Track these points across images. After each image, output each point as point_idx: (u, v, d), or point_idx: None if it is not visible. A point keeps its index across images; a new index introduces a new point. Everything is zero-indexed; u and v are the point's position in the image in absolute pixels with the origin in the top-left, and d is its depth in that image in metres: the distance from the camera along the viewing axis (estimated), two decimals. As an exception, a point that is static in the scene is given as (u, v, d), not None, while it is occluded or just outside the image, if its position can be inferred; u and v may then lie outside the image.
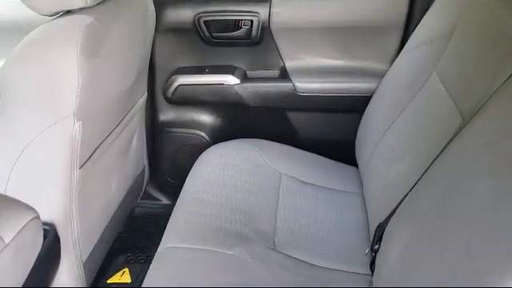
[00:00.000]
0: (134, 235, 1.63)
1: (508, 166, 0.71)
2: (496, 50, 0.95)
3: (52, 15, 1.01)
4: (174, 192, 1.43)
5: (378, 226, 1.09)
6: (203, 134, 1.73)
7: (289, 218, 1.28)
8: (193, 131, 1.73)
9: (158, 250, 1.12)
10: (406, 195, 1.00)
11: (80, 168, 1.05)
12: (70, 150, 0.99)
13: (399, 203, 1.01)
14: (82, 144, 1.02)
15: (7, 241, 0.58)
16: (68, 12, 1.00)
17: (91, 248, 1.24)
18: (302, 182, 1.43)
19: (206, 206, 1.25)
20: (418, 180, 0.97)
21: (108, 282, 1.37)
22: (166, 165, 1.79)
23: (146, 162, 1.65)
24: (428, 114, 1.13)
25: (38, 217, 0.66)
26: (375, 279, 1.00)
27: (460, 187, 0.80)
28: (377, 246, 1.05)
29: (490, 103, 0.86)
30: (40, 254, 0.85)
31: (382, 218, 1.08)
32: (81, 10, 0.99)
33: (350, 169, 1.52)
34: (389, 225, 1.02)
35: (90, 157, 1.09)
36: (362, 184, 1.39)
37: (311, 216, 1.31)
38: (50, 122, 0.95)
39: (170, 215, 1.24)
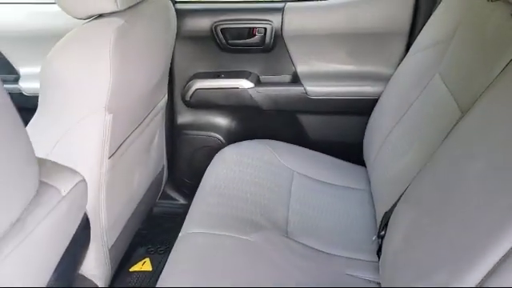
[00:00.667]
0: (153, 231, 1.71)
1: (499, 148, 0.80)
2: (490, 49, 1.03)
3: (86, 18, 1.11)
4: (190, 192, 1.52)
5: (384, 215, 1.17)
6: (219, 135, 1.83)
7: (300, 211, 1.36)
8: (209, 133, 1.83)
9: (179, 235, 1.20)
10: (410, 184, 1.08)
11: (109, 158, 1.14)
12: (101, 140, 1.08)
13: (403, 192, 1.09)
14: (112, 135, 1.11)
15: (64, 193, 0.67)
16: (100, 16, 1.11)
17: (116, 237, 1.33)
18: (313, 179, 1.51)
19: (223, 197, 1.34)
20: (421, 169, 1.05)
21: (130, 270, 1.46)
22: (184, 166, 1.88)
23: (165, 162, 1.75)
24: (430, 110, 1.22)
25: (85, 180, 0.73)
26: (381, 264, 1.08)
27: (458, 169, 0.89)
28: (383, 233, 1.13)
29: (484, 96, 0.95)
30: (74, 236, 0.94)
31: (387, 208, 1.16)
32: (112, 13, 1.10)
33: (358, 168, 1.60)
34: (394, 212, 1.10)
35: (117, 148, 1.19)
36: (369, 182, 1.47)
37: (321, 209, 1.39)
38: (84, 114, 1.05)
39: (187, 214, 1.33)
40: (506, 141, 0.78)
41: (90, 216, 1.16)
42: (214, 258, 1.12)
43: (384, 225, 1.15)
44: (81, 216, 0.83)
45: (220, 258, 1.13)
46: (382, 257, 1.09)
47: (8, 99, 0.52)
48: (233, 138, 1.79)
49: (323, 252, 1.23)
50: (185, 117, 1.83)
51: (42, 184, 0.62)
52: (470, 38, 1.17)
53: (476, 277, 0.69)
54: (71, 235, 0.81)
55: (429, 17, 1.45)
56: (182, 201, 1.92)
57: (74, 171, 0.68)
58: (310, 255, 1.20)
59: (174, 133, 1.83)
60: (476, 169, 0.83)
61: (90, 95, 1.04)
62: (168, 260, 1.15)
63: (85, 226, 1.14)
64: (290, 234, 1.26)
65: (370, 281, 1.15)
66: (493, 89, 0.94)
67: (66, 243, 0.77)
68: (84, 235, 1.15)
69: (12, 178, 0.54)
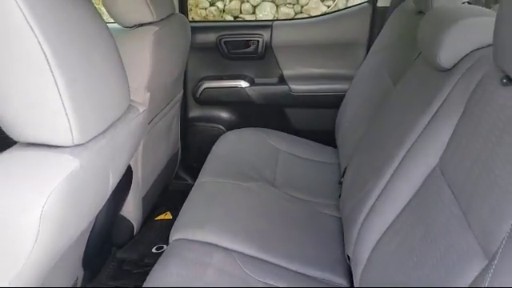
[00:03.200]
0: (169, 202, 2.13)
1: (411, 103, 1.26)
2: (412, 41, 1.48)
3: (131, 27, 1.58)
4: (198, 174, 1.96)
5: (345, 169, 1.62)
6: (221, 126, 2.29)
7: (284, 173, 1.81)
8: (214, 125, 2.30)
9: (195, 184, 1.65)
10: (360, 144, 1.54)
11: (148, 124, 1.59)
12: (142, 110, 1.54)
13: (356, 150, 1.55)
14: (149, 108, 1.57)
15: (140, 111, 1.08)
16: (141, 25, 1.58)
17: (146, 191, 1.77)
18: (294, 155, 1.96)
19: (226, 162, 1.79)
20: (366, 131, 1.52)
21: (156, 218, 1.88)
22: (193, 152, 2.33)
23: (179, 146, 2.20)
24: (374, 90, 1.69)
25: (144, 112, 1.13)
26: (341, 202, 1.51)
27: (385, 120, 1.36)
28: (342, 179, 1.59)
29: (406, 74, 1.41)
30: (120, 181, 1.36)
31: (347, 163, 1.61)
32: (149, 23, 1.56)
33: (330, 149, 2.05)
34: (350, 163, 1.56)
35: (151, 120, 1.64)
36: (338, 158, 1.92)
37: (300, 172, 1.84)
38: (132, 89, 1.50)
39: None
40: (412, 100, 1.25)
41: (132, 167, 1.61)
42: (220, 196, 1.57)
43: (343, 173, 1.60)
44: (141, 137, 1.24)
45: (225, 196, 1.57)
46: (341, 197, 1.53)
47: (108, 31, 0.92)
48: (233, 128, 2.24)
49: (299, 198, 1.66)
50: (195, 111, 2.30)
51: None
52: (402, 37, 1.65)
53: None
54: (136, 148, 1.15)
55: (381, 30, 1.94)
56: (191, 181, 2.36)
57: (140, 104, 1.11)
58: (290, 199, 1.64)
59: (186, 125, 2.28)
60: (392, 123, 1.30)
61: (137, 78, 1.50)
62: (186, 200, 1.58)
63: (129, 174, 1.58)
64: (276, 185, 1.71)
65: (334, 216, 1.58)
66: (412, 67, 1.41)
67: (133, 152, 1.13)
68: (127, 181, 1.60)
69: (119, 85, 0.94)
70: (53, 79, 0.74)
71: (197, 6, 4.87)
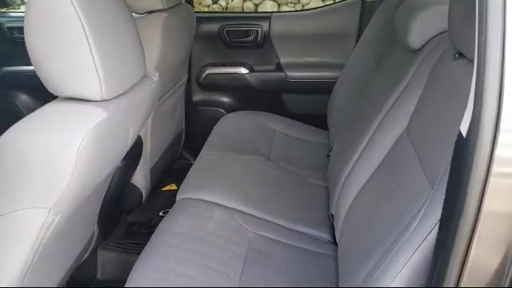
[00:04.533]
0: (174, 177, 2.31)
1: (387, 81, 1.45)
2: (393, 30, 1.66)
3: (142, 13, 1.77)
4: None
5: (333, 143, 1.81)
6: (223, 110, 2.48)
7: (278, 149, 2.00)
8: (216, 108, 2.49)
9: (199, 156, 1.84)
10: (346, 119, 1.73)
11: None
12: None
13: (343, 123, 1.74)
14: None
15: (154, 80, 1.27)
16: (151, 12, 1.77)
17: (154, 162, 1.95)
18: (289, 135, 2.15)
19: (226, 139, 1.98)
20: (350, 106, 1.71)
21: (162, 189, 2.07)
22: (196, 133, 2.51)
23: (183, 127, 2.39)
24: (360, 75, 1.88)
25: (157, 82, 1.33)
26: (328, 169, 1.70)
27: (367, 97, 1.55)
28: (330, 152, 1.78)
29: (386, 57, 1.60)
30: (130, 150, 1.55)
31: (334, 141, 1.80)
32: (159, 10, 1.75)
33: (322, 131, 2.24)
34: (337, 137, 1.75)
35: (160, 98, 1.83)
36: (329, 139, 2.11)
37: (293, 150, 2.03)
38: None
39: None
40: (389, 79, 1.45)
41: (142, 139, 1.80)
42: (221, 166, 1.76)
43: (331, 147, 1.80)
44: (154, 104, 1.42)
45: (225, 166, 1.76)
46: (328, 165, 1.72)
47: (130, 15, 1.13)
48: (233, 111, 2.43)
49: (292, 170, 1.85)
50: (198, 95, 2.49)
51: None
52: (385, 29, 1.84)
53: None
54: (148, 115, 1.35)
55: (368, 22, 2.12)
56: (193, 161, 2.54)
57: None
58: (283, 171, 1.83)
59: (189, 108, 2.47)
60: (371, 98, 1.49)
61: (148, 58, 1.68)
62: (190, 169, 1.77)
63: (139, 145, 1.77)
64: (271, 159, 1.90)
65: (321, 185, 1.77)
66: (390, 52, 1.60)
67: (148, 114, 1.33)
68: (138, 151, 1.78)
69: (138, 56, 1.14)
70: (88, 46, 0.94)
71: (200, 3, 5.07)
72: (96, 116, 0.97)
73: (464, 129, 0.64)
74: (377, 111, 1.36)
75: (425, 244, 0.81)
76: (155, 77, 1.32)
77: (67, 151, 0.91)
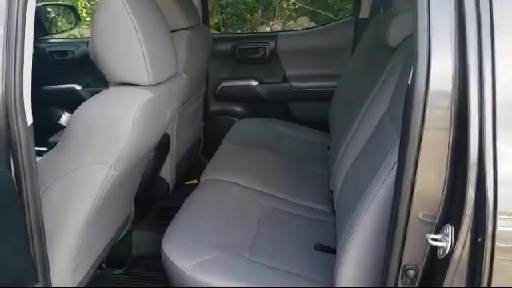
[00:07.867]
0: (195, 176, 2.60)
1: (373, 76, 1.75)
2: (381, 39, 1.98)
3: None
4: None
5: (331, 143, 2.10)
6: (235, 118, 2.79)
7: (286, 147, 2.29)
8: (230, 118, 2.80)
9: (217, 150, 2.15)
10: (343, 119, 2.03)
11: (181, 106, 2.09)
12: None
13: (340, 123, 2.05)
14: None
15: (184, 77, 1.59)
16: (176, 30, 2.10)
17: (180, 158, 2.25)
18: (295, 137, 2.45)
19: (241, 139, 2.29)
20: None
21: (186, 183, 2.37)
22: (212, 141, 2.82)
23: (202, 135, 2.70)
24: (354, 80, 2.19)
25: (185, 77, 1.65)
26: (328, 161, 2.00)
27: (357, 91, 1.86)
28: (330, 146, 2.07)
29: (373, 59, 1.91)
30: (159, 145, 1.85)
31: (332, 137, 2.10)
32: (183, 29, 2.09)
33: (324, 134, 2.53)
34: (335, 131, 2.05)
35: (184, 103, 2.14)
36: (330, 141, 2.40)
37: (299, 147, 2.32)
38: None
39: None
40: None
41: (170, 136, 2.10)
42: (237, 156, 2.07)
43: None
44: (183, 97, 1.73)
45: (241, 156, 2.07)
46: (328, 150, 2.01)
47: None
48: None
49: (298, 162, 2.15)
50: (214, 106, 2.82)
51: None
52: (377, 40, 2.16)
53: None
54: (180, 102, 1.69)
55: (361, 37, 2.45)
56: (211, 167, 2.84)
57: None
58: (290, 162, 2.13)
59: (207, 118, 2.79)
60: (361, 90, 1.80)
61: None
62: (211, 159, 2.07)
63: (167, 140, 2.08)
64: (281, 153, 2.20)
65: (323, 173, 2.05)
66: (378, 52, 1.91)
67: (179, 105, 1.64)
68: (166, 147, 2.09)
69: (173, 54, 1.47)
70: (139, 43, 1.27)
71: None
72: (144, 95, 1.29)
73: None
74: (365, 98, 1.66)
75: (389, 179, 1.10)
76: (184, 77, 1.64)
77: (125, 120, 1.22)
